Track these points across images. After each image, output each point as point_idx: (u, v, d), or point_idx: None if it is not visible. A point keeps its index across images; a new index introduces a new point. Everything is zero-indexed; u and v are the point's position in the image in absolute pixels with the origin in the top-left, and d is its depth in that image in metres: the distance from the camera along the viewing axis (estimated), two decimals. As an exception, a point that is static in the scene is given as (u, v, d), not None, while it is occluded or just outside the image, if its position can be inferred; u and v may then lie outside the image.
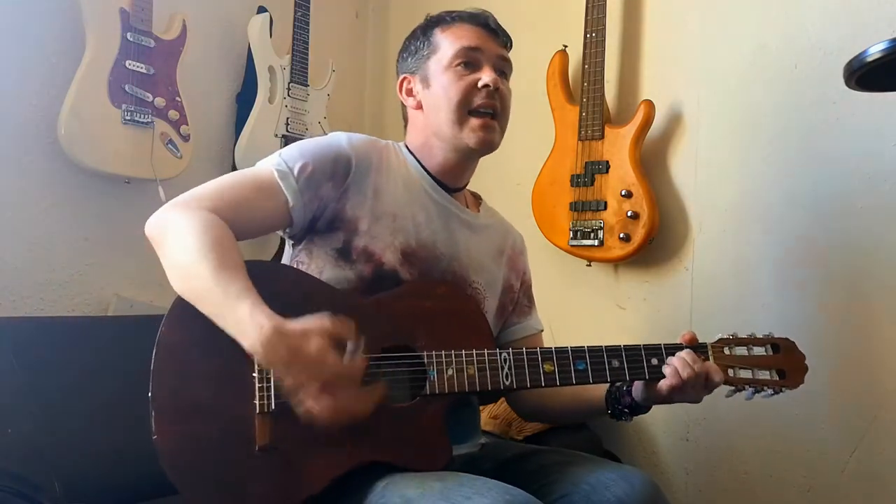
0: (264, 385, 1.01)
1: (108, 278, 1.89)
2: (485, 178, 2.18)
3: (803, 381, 1.23)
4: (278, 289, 1.03)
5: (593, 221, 1.86)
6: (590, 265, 1.95)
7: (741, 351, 1.23)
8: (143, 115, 1.83)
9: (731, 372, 1.21)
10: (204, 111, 2.10)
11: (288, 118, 2.14)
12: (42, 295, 1.81)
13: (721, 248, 1.79)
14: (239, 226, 1.09)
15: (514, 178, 2.14)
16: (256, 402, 1.01)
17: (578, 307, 2.04)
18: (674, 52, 1.88)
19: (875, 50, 0.95)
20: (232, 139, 2.16)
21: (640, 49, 1.95)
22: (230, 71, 2.20)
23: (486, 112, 1.22)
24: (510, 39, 1.30)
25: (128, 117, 1.81)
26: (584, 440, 1.83)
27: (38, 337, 1.42)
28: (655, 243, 1.85)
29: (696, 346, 1.21)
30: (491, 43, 1.26)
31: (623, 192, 1.81)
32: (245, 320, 0.96)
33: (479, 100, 1.21)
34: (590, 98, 1.86)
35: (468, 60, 1.23)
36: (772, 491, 1.69)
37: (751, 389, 1.21)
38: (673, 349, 1.19)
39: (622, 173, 1.82)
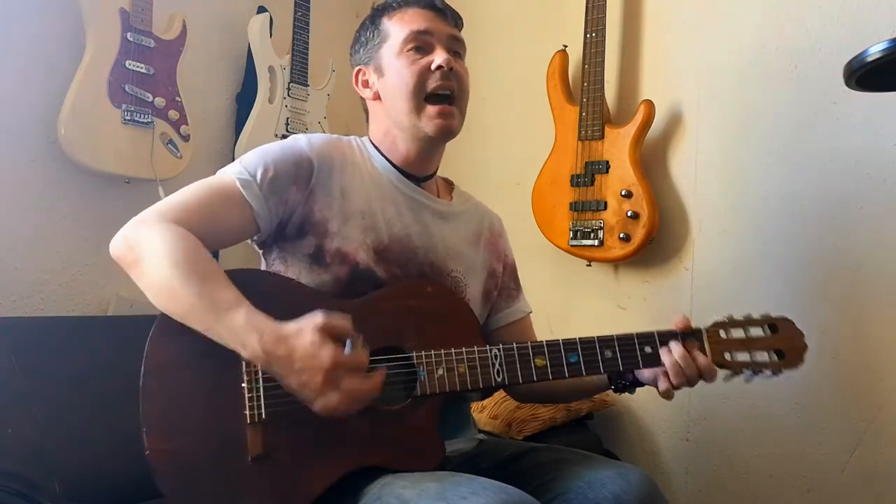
0: (254, 395, 1.01)
1: (108, 278, 1.89)
2: (485, 177, 2.20)
3: (803, 360, 1.18)
4: (265, 295, 1.01)
5: (593, 221, 1.86)
6: (590, 265, 1.95)
7: (738, 333, 1.19)
8: (143, 115, 1.83)
9: (727, 356, 1.17)
10: (204, 111, 2.10)
11: (288, 118, 2.14)
12: (42, 295, 1.81)
13: (721, 248, 1.79)
14: (207, 237, 1.07)
15: (514, 178, 2.15)
16: (247, 412, 1.00)
17: (578, 307, 2.04)
18: (674, 52, 1.88)
19: (875, 50, 0.95)
20: (232, 139, 2.16)
21: (640, 49, 1.95)
22: (230, 71, 2.20)
23: (443, 95, 1.20)
24: (460, 18, 1.28)
25: (128, 117, 1.81)
26: (583, 440, 1.84)
27: (38, 337, 1.42)
28: (655, 243, 1.85)
29: (691, 333, 1.17)
30: (440, 24, 1.23)
31: (623, 192, 1.81)
32: (242, 329, 0.96)
33: (433, 83, 1.19)
34: (590, 98, 1.86)
35: (419, 44, 1.21)
36: (772, 491, 1.69)
37: (748, 372, 1.18)
38: (666, 336, 1.16)
39: (622, 173, 1.82)
